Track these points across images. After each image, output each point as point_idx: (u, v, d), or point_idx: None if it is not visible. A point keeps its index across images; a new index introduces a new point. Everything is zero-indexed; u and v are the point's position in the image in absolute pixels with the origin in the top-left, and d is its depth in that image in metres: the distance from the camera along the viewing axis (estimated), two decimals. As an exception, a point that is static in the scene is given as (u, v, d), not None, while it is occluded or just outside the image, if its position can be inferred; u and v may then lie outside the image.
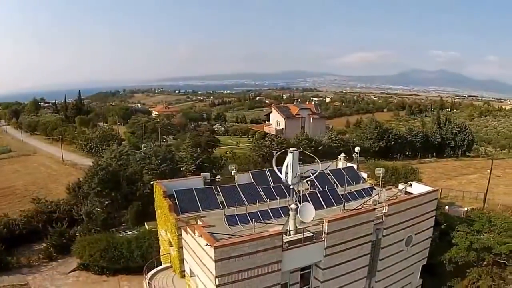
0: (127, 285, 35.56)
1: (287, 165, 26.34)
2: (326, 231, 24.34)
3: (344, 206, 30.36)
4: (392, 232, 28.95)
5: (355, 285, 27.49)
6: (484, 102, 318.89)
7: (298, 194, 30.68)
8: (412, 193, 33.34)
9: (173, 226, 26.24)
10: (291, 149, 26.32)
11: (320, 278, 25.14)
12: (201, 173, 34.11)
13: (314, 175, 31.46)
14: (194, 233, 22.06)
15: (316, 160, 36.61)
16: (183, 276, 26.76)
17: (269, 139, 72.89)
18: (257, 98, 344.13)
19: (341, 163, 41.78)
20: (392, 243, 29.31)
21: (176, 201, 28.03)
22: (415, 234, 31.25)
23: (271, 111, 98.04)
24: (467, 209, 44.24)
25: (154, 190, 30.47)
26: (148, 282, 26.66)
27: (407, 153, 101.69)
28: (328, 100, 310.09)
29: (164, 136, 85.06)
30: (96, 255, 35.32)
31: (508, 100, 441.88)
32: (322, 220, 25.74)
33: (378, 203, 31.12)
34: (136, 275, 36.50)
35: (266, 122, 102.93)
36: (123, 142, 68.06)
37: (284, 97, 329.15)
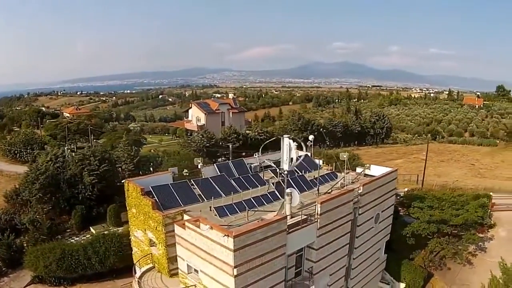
0: (89, 294, 34.10)
1: (283, 152, 27.38)
2: (319, 212, 26.01)
3: (318, 190, 32.57)
4: (365, 211, 31.64)
5: (339, 263, 29.78)
6: (390, 92, 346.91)
7: (275, 182, 32.61)
8: (372, 175, 36.45)
9: (158, 223, 25.82)
10: (284, 136, 27.37)
11: (313, 259, 26.77)
12: (169, 168, 33.74)
13: (296, 164, 32.71)
14: (199, 227, 22.08)
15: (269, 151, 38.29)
16: (172, 275, 26.43)
17: (199, 135, 73.61)
18: (160, 96, 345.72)
19: (294, 152, 43.59)
20: (365, 221, 32.02)
21: (156, 198, 27.60)
22: (382, 211, 34.47)
23: (190, 107, 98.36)
24: (407, 190, 49.18)
25: (126, 189, 29.47)
26: (138, 281, 25.95)
27: (327, 143, 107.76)
28: (230, 96, 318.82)
29: (86, 137, 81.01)
30: (52, 265, 33.79)
31: (413, 89, 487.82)
32: (303, 204, 27.97)
33: (346, 186, 33.94)
34: (96, 282, 36.38)
35: (185, 119, 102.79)
36: (45, 146, 64.17)
37: (187, 95, 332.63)
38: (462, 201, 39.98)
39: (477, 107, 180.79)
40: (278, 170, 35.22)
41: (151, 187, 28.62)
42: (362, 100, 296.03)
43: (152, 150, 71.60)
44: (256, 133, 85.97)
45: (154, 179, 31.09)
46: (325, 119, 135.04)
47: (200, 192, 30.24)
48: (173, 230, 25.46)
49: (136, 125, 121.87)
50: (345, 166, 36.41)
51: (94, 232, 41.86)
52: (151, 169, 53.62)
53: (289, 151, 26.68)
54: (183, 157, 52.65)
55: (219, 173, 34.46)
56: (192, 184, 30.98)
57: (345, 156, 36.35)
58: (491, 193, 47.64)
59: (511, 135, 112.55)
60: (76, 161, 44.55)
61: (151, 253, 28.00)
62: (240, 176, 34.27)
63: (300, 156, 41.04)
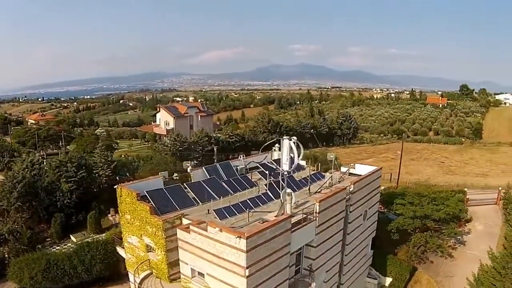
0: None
1: (283, 153, 28.26)
2: (317, 211, 27.16)
3: (309, 190, 33.73)
4: (355, 208, 33.13)
5: (334, 259, 31.25)
6: (350, 93, 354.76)
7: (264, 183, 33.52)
8: (358, 174, 37.99)
9: (158, 229, 26.09)
10: (285, 137, 28.28)
11: (312, 256, 28.00)
12: (159, 172, 33.87)
13: (292, 167, 33.65)
14: (206, 230, 22.58)
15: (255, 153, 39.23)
16: (172, 281, 26.73)
17: (172, 139, 73.73)
18: (121, 101, 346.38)
19: (276, 154, 44.67)
20: (355, 218, 33.51)
21: (152, 203, 27.83)
22: (369, 208, 36.07)
23: (158, 111, 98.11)
24: (383, 188, 51.18)
25: (119, 195, 29.43)
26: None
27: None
28: (191, 99, 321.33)
29: (56, 144, 79.08)
30: (37, 276, 33.37)
31: (373, 89, 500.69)
32: (297, 204, 28.81)
33: (334, 185, 35.29)
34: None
35: (153, 123, 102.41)
36: (14, 153, 62.19)
37: (147, 99, 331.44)
38: (441, 197, 42.07)
39: (440, 106, 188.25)
40: (268, 172, 36.48)
41: (146, 192, 28.79)
42: (323, 102, 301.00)
43: (123, 155, 70.83)
44: (227, 136, 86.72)
45: (145, 184, 31.23)
46: (293, 121, 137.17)
47: (194, 196, 30.70)
48: (173, 235, 25.85)
49: (102, 131, 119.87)
50: (333, 166, 37.74)
51: (74, 240, 41.54)
52: (127, 174, 53.48)
53: (287, 152, 27.43)
54: (160, 161, 52.59)
55: (208, 176, 34.94)
56: (185, 188, 31.35)
57: (332, 157, 37.70)
58: (465, 189, 50.46)
59: (477, 133, 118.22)
60: (53, 168, 43.76)
61: (148, 259, 28.09)
62: (230, 179, 34.95)
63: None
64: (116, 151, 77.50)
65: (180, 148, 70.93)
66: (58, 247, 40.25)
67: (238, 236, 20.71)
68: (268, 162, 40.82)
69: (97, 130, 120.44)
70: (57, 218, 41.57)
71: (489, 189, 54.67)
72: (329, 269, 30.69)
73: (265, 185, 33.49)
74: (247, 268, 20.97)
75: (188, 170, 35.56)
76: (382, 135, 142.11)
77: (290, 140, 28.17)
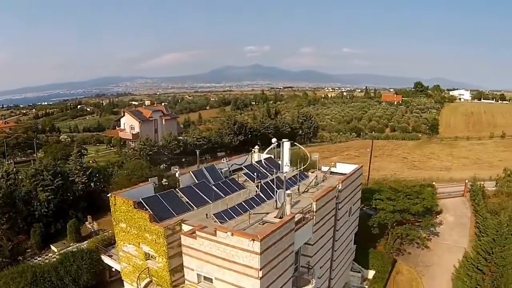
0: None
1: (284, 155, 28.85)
2: (314, 210, 28.07)
3: (299, 190, 34.53)
4: (343, 206, 34.41)
5: (326, 255, 32.60)
6: (303, 92, 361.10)
7: (259, 184, 34.03)
8: (340, 172, 39.24)
9: (159, 236, 25.96)
10: (283, 139, 28.85)
11: (310, 254, 29.05)
12: (149, 179, 33.60)
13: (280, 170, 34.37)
14: (215, 235, 22.83)
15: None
16: (174, 287, 26.74)
17: (141, 143, 72.94)
18: (78, 106, 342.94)
19: (256, 155, 45.30)
20: (343, 215, 34.87)
21: (149, 210, 27.67)
22: (353, 205, 37.50)
23: (123, 116, 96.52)
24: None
25: (112, 203, 29.07)
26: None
27: (258, 145, 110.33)
28: (147, 103, 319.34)
29: (24, 151, 75.96)
30: (25, 290, 32.14)
31: (325, 88, 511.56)
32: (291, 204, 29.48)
33: (319, 184, 36.36)
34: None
35: (117, 128, 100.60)
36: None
37: (104, 104, 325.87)
38: (415, 191, 44.12)
39: (395, 103, 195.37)
40: (256, 174, 37.03)
41: (142, 199, 28.64)
42: (278, 102, 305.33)
43: (91, 161, 69.29)
44: (195, 139, 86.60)
45: (136, 191, 30.93)
46: (250, 121, 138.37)
47: (188, 200, 30.75)
48: (173, 241, 25.92)
49: (66, 137, 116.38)
50: (317, 165, 38.82)
51: (55, 250, 40.72)
52: (102, 180, 52.63)
53: (285, 154, 28.08)
54: (135, 167, 51.79)
55: (196, 180, 35.03)
56: (178, 192, 31.35)
57: (316, 156, 38.69)
58: (434, 183, 53.09)
59: (433, 128, 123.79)
60: (29, 177, 42.44)
61: (147, 267, 27.90)
62: (219, 182, 35.22)
63: (266, 159, 43.57)
64: (85, 157, 75.65)
65: (150, 152, 70.15)
66: (40, 258, 39.23)
67: (252, 239, 21.13)
68: (254, 164, 41.18)
69: (61, 136, 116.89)
70: (36, 228, 40.48)
71: (454, 182, 57.75)
72: (322, 265, 31.80)
73: (257, 186, 33.91)
74: (260, 269, 21.48)
75: (177, 175, 35.40)
76: (341, 133, 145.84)
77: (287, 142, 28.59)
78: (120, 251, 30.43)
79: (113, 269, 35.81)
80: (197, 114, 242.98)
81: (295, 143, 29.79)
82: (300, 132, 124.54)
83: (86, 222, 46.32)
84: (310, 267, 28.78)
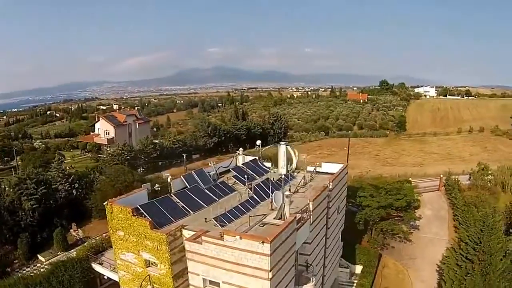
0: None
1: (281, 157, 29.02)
2: (311, 209, 28.46)
3: (290, 190, 34.78)
4: (333, 204, 35.01)
5: (320, 253, 33.09)
6: (268, 93, 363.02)
7: (250, 186, 34.13)
8: (325, 172, 39.84)
9: (161, 243, 25.63)
10: (281, 142, 29.01)
11: (307, 252, 29.57)
12: (142, 185, 33.13)
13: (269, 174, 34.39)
14: (222, 239, 22.79)
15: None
16: (176, 293, 26.49)
17: (119, 148, 71.70)
18: (48, 112, 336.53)
19: (241, 158, 45.32)
20: (333, 213, 35.45)
21: (148, 217, 27.28)
22: (341, 203, 38.13)
23: (97, 121, 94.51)
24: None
25: (109, 211, 28.41)
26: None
27: (229, 146, 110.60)
28: (115, 107, 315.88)
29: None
30: (17, 303, 31.24)
31: (288, 88, 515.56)
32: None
33: (307, 184, 36.87)
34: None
35: (91, 133, 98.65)
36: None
37: (72, 109, 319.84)
38: (395, 187, 45.30)
39: (362, 101, 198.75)
40: (245, 177, 37.14)
41: (140, 206, 28.25)
42: (244, 103, 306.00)
43: (68, 167, 67.44)
44: (171, 142, 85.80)
45: (130, 198, 30.41)
46: (219, 122, 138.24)
47: (184, 205, 30.52)
48: (175, 247, 25.71)
49: (40, 143, 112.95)
50: (305, 166, 39.26)
51: (43, 260, 39.95)
52: (84, 187, 51.49)
53: (284, 157, 28.33)
54: (117, 172, 50.79)
55: (188, 185, 34.80)
56: (173, 197, 31.11)
57: (304, 157, 39.09)
58: (410, 179, 54.59)
59: (401, 125, 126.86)
60: (13, 186, 41.05)
61: (148, 275, 27.50)
62: (210, 185, 35.17)
63: (251, 161, 43.69)
64: (63, 163, 73.50)
65: (128, 157, 68.97)
66: (29, 269, 38.30)
67: (262, 241, 21.24)
68: (241, 166, 41.21)
69: (35, 143, 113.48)
70: (23, 238, 39.54)
71: (429, 178, 59.56)
72: (318, 263, 32.23)
73: (250, 189, 34.00)
74: (270, 270, 21.65)
75: (168, 180, 35.02)
76: (310, 132, 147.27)
77: (286, 145, 28.84)
78: (117, 260, 29.82)
79: (105, 277, 35.21)
80: (165, 117, 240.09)
81: (288, 145, 29.93)
82: (271, 132, 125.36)
83: (71, 230, 45.53)
84: (309, 265, 29.17)
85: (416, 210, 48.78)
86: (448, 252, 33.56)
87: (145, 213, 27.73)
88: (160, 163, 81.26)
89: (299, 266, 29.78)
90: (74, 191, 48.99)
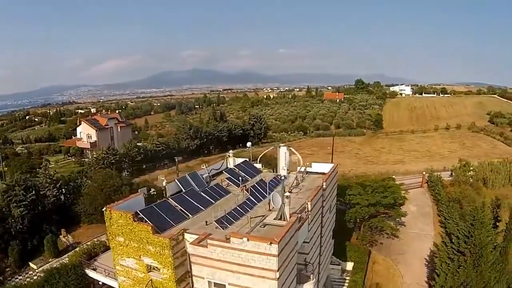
0: None
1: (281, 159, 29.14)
2: (309, 209, 28.71)
3: (284, 190, 34.91)
4: (326, 203, 35.36)
5: (316, 251, 33.35)
6: (243, 94, 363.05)
7: (245, 187, 34.14)
8: (315, 172, 40.16)
9: (164, 247, 25.38)
10: (281, 144, 29.10)
11: (306, 251, 29.84)
12: (139, 190, 32.68)
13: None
14: (229, 242, 22.77)
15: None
16: (180, 297, 26.27)
17: (104, 152, 70.65)
18: (27, 117, 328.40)
19: (231, 160, 45.21)
20: (326, 212, 35.79)
21: (149, 222, 26.95)
22: (332, 201, 38.52)
23: (79, 125, 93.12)
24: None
25: (108, 217, 27.93)
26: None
27: (211, 148, 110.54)
28: (93, 110, 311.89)
29: None
30: (13, 313, 30.48)
31: (263, 89, 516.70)
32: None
33: (300, 184, 37.11)
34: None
35: (74, 137, 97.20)
36: None
37: (51, 113, 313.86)
38: (382, 185, 46.01)
39: (338, 101, 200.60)
40: (239, 179, 37.17)
41: (140, 211, 27.94)
42: (221, 104, 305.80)
43: (53, 172, 66.16)
44: (154, 145, 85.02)
45: (127, 203, 29.99)
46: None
47: (182, 209, 30.30)
48: (177, 252, 25.53)
49: (23, 148, 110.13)
50: (299, 167, 39.46)
51: (35, 267, 39.16)
52: (72, 192, 50.61)
53: (284, 158, 28.46)
54: (106, 176, 50.00)
55: (183, 188, 34.60)
56: (170, 201, 30.85)
57: (296, 158, 39.29)
58: (393, 176, 55.49)
59: (378, 124, 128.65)
60: (2, 192, 39.93)
61: (151, 279, 27.17)
62: (206, 188, 35.09)
63: (243, 163, 43.68)
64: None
65: (113, 161, 67.96)
66: (21, 277, 37.40)
67: (270, 242, 21.34)
68: (233, 168, 41.20)
69: (17, 148, 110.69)
70: (13, 246, 38.71)
71: (411, 175, 60.70)
72: (314, 261, 32.48)
73: (246, 190, 34.00)
74: (277, 270, 21.82)
75: (164, 184, 34.66)
76: (289, 132, 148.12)
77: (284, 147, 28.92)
78: (117, 265, 29.34)
79: (100, 282, 34.57)
80: (143, 120, 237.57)
81: (291, 148, 30.15)
82: (251, 133, 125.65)
83: (61, 236, 44.76)
84: (308, 263, 29.43)
85: (401, 207, 49.67)
86: (440, 246, 34.32)
87: (145, 218, 27.42)
88: (144, 166, 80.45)
89: (298, 265, 30.07)
90: (62, 197, 48.01)
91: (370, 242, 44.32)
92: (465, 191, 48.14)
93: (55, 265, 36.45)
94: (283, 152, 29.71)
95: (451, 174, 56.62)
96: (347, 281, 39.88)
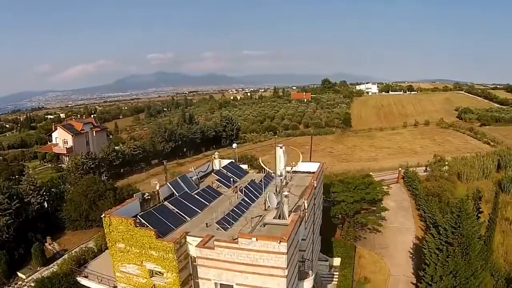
0: None
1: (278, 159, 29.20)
2: (306, 207, 28.98)
3: (277, 191, 35.06)
4: (316, 201, 35.85)
5: (310, 249, 33.47)
6: (209, 96, 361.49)
7: (238, 188, 34.13)
8: (301, 171, 40.54)
9: (168, 252, 25.21)
10: (278, 144, 29.17)
11: (303, 248, 30.15)
12: (134, 194, 32.08)
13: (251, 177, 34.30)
14: (237, 243, 22.73)
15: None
16: (185, 300, 26.01)
17: (83, 157, 68.83)
18: None
19: (217, 161, 45.04)
20: (316, 209, 36.20)
21: (150, 227, 26.52)
22: (320, 199, 39.08)
23: (54, 130, 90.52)
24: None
25: (107, 224, 27.32)
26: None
27: (185, 150, 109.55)
28: (62, 115, 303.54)
29: None
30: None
31: (228, 90, 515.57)
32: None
33: (288, 183, 37.34)
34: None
35: (49, 143, 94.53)
36: None
37: (21, 119, 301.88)
38: (363, 182, 46.90)
39: (306, 101, 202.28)
40: (230, 180, 37.10)
41: (139, 216, 27.65)
42: (189, 107, 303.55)
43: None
44: (131, 149, 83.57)
45: (124, 209, 29.51)
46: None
47: (180, 212, 30.05)
48: (181, 255, 25.41)
49: None
50: (285, 167, 39.47)
51: (24, 277, 37.77)
52: (55, 198, 49.15)
53: (281, 159, 28.61)
54: (89, 182, 48.70)
55: (175, 191, 34.33)
56: (167, 205, 30.46)
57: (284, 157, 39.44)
58: (371, 173, 56.62)
59: (346, 122, 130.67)
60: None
61: (154, 284, 26.75)
62: (199, 190, 34.93)
63: (229, 164, 43.59)
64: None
65: (92, 166, 66.28)
66: (10, 288, 35.93)
67: (279, 241, 21.47)
68: (221, 169, 41.07)
69: None
70: (1, 256, 37.24)
71: (386, 171, 62.10)
72: (310, 258, 32.76)
73: (240, 191, 33.95)
74: (286, 268, 22.06)
75: (157, 187, 34.20)
76: (260, 132, 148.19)
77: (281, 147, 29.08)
78: (117, 272, 28.79)
79: (92, 289, 33.77)
80: (113, 124, 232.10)
81: (290, 146, 30.19)
82: (224, 135, 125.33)
83: (46, 244, 43.30)
84: (306, 259, 29.71)
85: (381, 202, 50.84)
86: (428, 238, 35.37)
87: (146, 223, 27.04)
88: (122, 170, 78.91)
89: (298, 262, 30.33)
90: (45, 203, 46.43)
91: (354, 237, 45.10)
92: (444, 185, 49.77)
93: (45, 274, 35.38)
94: (281, 152, 29.71)
95: (426, 169, 58.44)
96: (335, 276, 40.43)
